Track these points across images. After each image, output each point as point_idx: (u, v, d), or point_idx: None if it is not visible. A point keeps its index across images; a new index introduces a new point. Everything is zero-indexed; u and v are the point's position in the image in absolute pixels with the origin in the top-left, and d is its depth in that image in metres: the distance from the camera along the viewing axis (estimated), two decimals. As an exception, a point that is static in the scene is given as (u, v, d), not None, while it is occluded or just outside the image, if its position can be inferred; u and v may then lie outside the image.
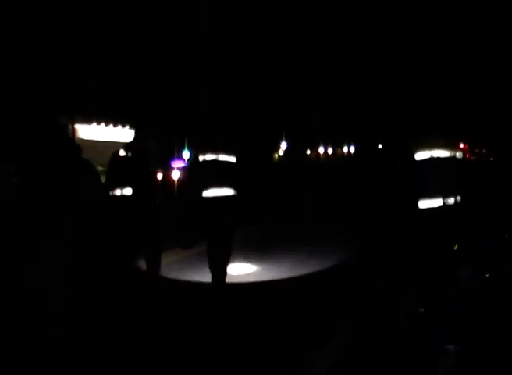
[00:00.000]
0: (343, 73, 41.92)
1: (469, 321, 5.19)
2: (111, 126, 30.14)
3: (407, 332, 5.26)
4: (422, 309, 5.45)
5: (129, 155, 7.21)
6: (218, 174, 7.00)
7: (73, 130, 26.30)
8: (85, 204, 4.95)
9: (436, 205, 6.09)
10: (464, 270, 5.78)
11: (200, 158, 7.25)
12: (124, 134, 32.63)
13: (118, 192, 7.04)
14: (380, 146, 51.69)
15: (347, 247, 11.02)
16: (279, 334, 5.96)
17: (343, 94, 43.58)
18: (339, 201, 17.72)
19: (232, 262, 7.74)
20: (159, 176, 7.49)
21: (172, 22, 29.39)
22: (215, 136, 7.26)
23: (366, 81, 42.43)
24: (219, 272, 7.18)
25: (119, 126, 31.28)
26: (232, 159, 7.18)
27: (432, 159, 6.16)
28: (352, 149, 52.94)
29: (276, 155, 42.61)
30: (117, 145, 33.62)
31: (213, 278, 7.30)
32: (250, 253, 10.32)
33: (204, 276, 7.47)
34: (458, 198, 6.12)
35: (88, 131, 28.49)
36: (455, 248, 6.09)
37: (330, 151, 52.35)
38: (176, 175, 16.18)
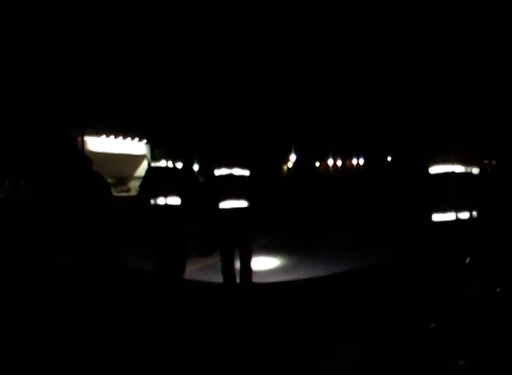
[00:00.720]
0: (353, 85, 42.03)
1: (478, 335, 5.16)
2: (120, 138, 30.32)
3: (416, 345, 5.22)
4: (433, 325, 5.42)
5: (171, 166, 7.40)
6: (233, 187, 7.35)
7: (83, 142, 26.46)
8: (96, 215, 4.98)
9: (450, 219, 6.12)
10: (472, 284, 5.76)
11: (216, 172, 7.55)
12: (133, 147, 32.85)
13: (161, 201, 7.22)
14: (389, 158, 51.81)
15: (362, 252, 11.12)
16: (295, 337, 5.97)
17: (352, 106, 43.68)
18: (349, 212, 17.84)
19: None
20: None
21: (173, 27, 29.55)
22: (230, 151, 7.61)
23: (376, 94, 42.52)
24: (244, 274, 7.47)
25: (128, 139, 31.45)
26: (246, 173, 7.53)
27: (448, 174, 6.18)
28: (361, 161, 53.01)
29: (285, 167, 42.74)
30: (126, 157, 33.66)
31: (225, 279, 7.57)
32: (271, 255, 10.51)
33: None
34: (474, 213, 6.13)
35: (98, 143, 28.68)
36: (466, 261, 6.07)
37: (339, 163, 52.42)
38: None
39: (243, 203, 7.38)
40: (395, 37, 37.57)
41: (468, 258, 6.04)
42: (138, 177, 33.78)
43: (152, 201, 7.31)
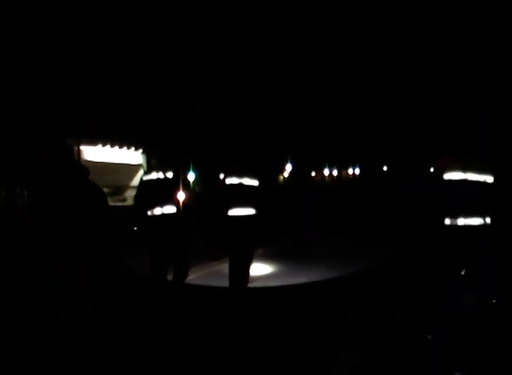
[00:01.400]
0: (350, 94, 42.11)
1: (474, 347, 5.16)
2: (116, 147, 30.27)
3: (414, 359, 5.22)
4: (430, 336, 5.41)
5: (164, 177, 7.84)
6: (242, 196, 7.81)
7: (79, 151, 26.44)
8: (93, 226, 4.98)
9: (462, 224, 6.30)
10: (470, 296, 5.77)
11: (227, 181, 7.98)
12: (129, 156, 32.80)
13: (158, 211, 7.61)
14: (385, 168, 51.86)
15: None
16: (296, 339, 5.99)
17: (349, 115, 43.74)
18: (351, 217, 18.01)
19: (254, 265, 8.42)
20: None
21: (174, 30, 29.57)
22: (239, 162, 8.12)
23: (373, 101, 42.58)
24: (241, 278, 7.87)
25: (125, 148, 31.42)
26: (255, 183, 7.95)
27: (463, 181, 6.38)
28: (357, 171, 53.02)
29: (281, 177, 42.69)
30: (122, 167, 33.69)
31: (232, 283, 7.93)
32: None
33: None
34: (487, 219, 6.30)
35: (94, 153, 28.63)
36: (463, 272, 6.08)
37: (335, 173, 52.40)
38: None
39: (250, 211, 7.79)
40: (393, 40, 37.67)
41: (464, 270, 6.06)
42: (134, 187, 33.76)
43: (149, 212, 7.59)
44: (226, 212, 7.78)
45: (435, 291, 6.19)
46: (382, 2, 37.13)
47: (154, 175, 7.86)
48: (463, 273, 6.06)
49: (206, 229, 8.48)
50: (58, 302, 4.22)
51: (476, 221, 6.32)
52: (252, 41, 33.65)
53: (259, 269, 9.62)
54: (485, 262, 6.17)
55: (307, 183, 43.44)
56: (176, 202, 7.75)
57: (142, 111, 29.81)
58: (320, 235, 15.04)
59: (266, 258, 10.81)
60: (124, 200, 29.98)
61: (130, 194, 32.23)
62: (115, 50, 28.05)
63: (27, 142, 20.92)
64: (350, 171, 53.83)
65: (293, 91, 38.00)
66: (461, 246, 6.31)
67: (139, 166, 33.40)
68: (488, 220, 6.34)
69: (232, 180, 7.91)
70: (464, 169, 6.42)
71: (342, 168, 53.34)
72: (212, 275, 9.37)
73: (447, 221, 6.35)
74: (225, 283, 8.51)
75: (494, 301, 5.78)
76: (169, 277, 8.12)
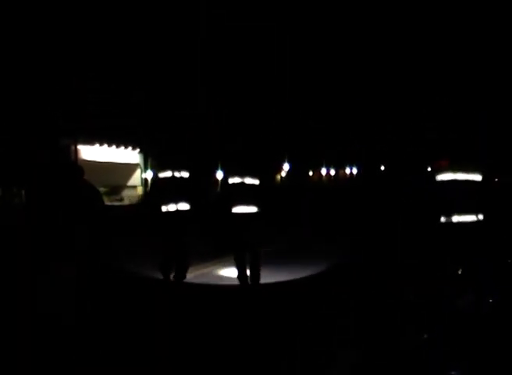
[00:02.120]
0: (347, 94, 42.13)
1: (473, 347, 5.16)
2: (113, 147, 30.22)
3: (411, 358, 5.22)
4: (426, 335, 5.42)
5: (179, 176, 8.17)
6: (245, 194, 8.13)
7: (76, 151, 26.38)
8: (88, 224, 4.97)
9: (456, 221, 6.63)
10: (468, 295, 5.78)
11: (230, 180, 8.28)
12: (126, 155, 32.74)
13: (172, 207, 7.93)
14: (382, 167, 51.89)
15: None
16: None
17: (346, 114, 43.75)
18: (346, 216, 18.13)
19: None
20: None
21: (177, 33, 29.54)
22: (242, 162, 8.48)
23: (371, 101, 42.61)
24: (253, 277, 8.19)
25: (122, 147, 31.35)
26: (256, 182, 8.28)
27: (455, 181, 6.75)
28: (354, 171, 53.03)
29: (279, 177, 42.73)
30: (119, 166, 33.52)
31: (241, 281, 8.22)
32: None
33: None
34: (480, 216, 6.62)
35: (91, 152, 28.58)
36: (459, 272, 6.09)
37: (332, 172, 52.39)
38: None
39: (252, 208, 8.11)
40: (393, 41, 37.69)
41: (461, 270, 6.07)
42: (131, 186, 33.71)
43: (164, 208, 7.88)
44: (230, 210, 8.10)
45: (433, 290, 6.24)
46: (383, 3, 37.17)
47: (168, 173, 8.09)
48: (460, 272, 6.08)
49: (213, 226, 8.94)
50: (56, 302, 4.21)
51: (469, 218, 6.57)
52: (252, 42, 33.67)
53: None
54: (483, 262, 6.21)
55: (304, 183, 43.45)
56: (190, 201, 8.09)
57: (140, 111, 29.79)
58: (316, 235, 15.10)
59: (266, 257, 10.92)
60: (121, 199, 29.96)
61: (127, 193, 32.24)
62: (114, 50, 28.02)
63: (26, 142, 20.91)
64: (348, 171, 53.87)
65: (292, 91, 38.03)
66: (457, 245, 6.45)
67: (136, 165, 33.36)
68: (480, 217, 6.59)
69: (234, 180, 8.21)
70: (456, 170, 6.73)
71: (339, 167, 53.38)
72: (209, 274, 9.40)
73: (443, 219, 6.61)
74: (221, 282, 8.66)
75: (491, 300, 5.79)
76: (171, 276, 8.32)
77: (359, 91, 41.94)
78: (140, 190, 32.87)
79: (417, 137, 40.91)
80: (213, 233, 9.34)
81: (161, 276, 8.12)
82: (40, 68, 23.77)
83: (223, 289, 8.45)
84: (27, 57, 23.12)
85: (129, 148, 32.10)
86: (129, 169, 32.81)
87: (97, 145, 29.13)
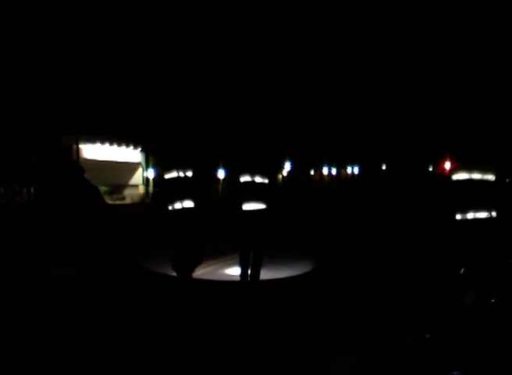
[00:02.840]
0: (348, 94, 42.14)
1: (474, 347, 5.14)
2: (115, 146, 30.19)
3: (412, 358, 5.20)
4: (428, 335, 5.40)
5: (185, 175, 8.38)
6: (254, 192, 8.51)
7: (78, 149, 26.37)
8: (88, 225, 4.96)
9: (471, 218, 7.04)
10: (469, 295, 5.76)
11: (241, 179, 8.69)
12: (128, 154, 32.72)
13: (178, 205, 8.19)
14: (384, 166, 51.95)
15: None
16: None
17: (347, 114, 43.77)
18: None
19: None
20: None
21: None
22: (252, 162, 8.79)
23: (371, 102, 42.63)
24: (254, 273, 8.49)
25: (123, 146, 31.31)
26: (265, 181, 8.67)
27: (470, 180, 7.19)
28: (356, 170, 53.07)
29: (280, 176, 42.71)
30: (121, 165, 33.37)
31: (242, 277, 8.48)
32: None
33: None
34: (493, 213, 7.04)
35: (92, 151, 28.56)
36: (461, 272, 6.09)
37: (334, 172, 52.38)
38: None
39: (261, 205, 8.48)
40: (395, 41, 37.68)
41: (463, 269, 6.07)
42: (133, 185, 33.71)
43: (170, 207, 8.14)
44: (241, 207, 8.52)
45: (434, 289, 6.26)
46: (384, 3, 37.20)
47: (175, 173, 8.30)
48: (462, 272, 6.08)
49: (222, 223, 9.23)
50: (57, 303, 4.19)
51: (483, 215, 6.96)
52: (257, 42, 33.70)
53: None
54: (485, 262, 6.22)
55: (306, 182, 43.48)
56: (195, 199, 8.36)
57: (142, 110, 29.80)
58: (319, 234, 15.13)
59: (268, 254, 11.13)
60: (123, 198, 29.95)
61: (129, 192, 32.23)
62: (117, 48, 28.04)
63: (26, 142, 20.93)
64: (349, 170, 53.89)
65: (294, 91, 38.04)
66: (462, 245, 6.67)
67: (138, 164, 33.36)
68: (493, 214, 6.95)
69: (245, 178, 8.62)
70: (470, 170, 7.12)
71: (341, 167, 53.40)
72: (213, 273, 9.56)
73: (458, 216, 7.03)
74: (228, 278, 8.96)
75: (493, 300, 5.77)
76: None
77: (361, 91, 41.95)
78: (141, 189, 32.88)
79: (419, 136, 40.96)
80: (221, 230, 9.62)
81: (173, 273, 8.29)
82: (42, 67, 23.79)
83: (222, 285, 8.68)
84: (29, 57, 23.14)
85: (131, 146, 32.11)
86: (131, 168, 32.82)
87: (99, 144, 29.14)
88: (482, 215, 6.97)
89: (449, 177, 7.26)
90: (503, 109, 26.83)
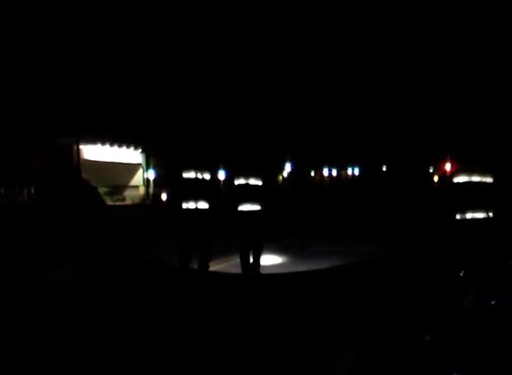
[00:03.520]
0: (349, 94, 42.14)
1: (475, 348, 5.13)
2: (116, 146, 30.17)
3: (412, 358, 5.20)
4: (428, 337, 5.40)
5: (200, 177, 9.13)
6: (249, 194, 9.08)
7: (78, 150, 26.37)
8: (88, 226, 4.96)
9: (470, 219, 7.55)
10: (469, 297, 5.76)
11: (236, 181, 9.21)
12: (128, 155, 32.72)
13: (192, 205, 8.82)
14: (384, 168, 51.92)
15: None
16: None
17: (348, 115, 43.77)
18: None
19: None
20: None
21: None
22: (246, 165, 9.44)
23: (372, 103, 42.62)
24: (254, 265, 9.16)
25: (124, 147, 31.30)
26: (260, 183, 9.18)
27: (470, 182, 7.71)
28: (356, 172, 53.00)
29: (280, 177, 42.69)
30: (122, 166, 33.37)
31: (243, 270, 9.12)
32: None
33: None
34: (490, 213, 7.53)
35: (93, 152, 28.55)
36: (461, 273, 6.09)
37: (334, 173, 52.32)
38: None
39: (256, 206, 9.05)
40: (396, 41, 37.72)
41: (464, 271, 6.07)
42: (133, 186, 33.70)
43: (184, 206, 8.74)
44: (237, 208, 9.08)
45: (435, 290, 6.29)
46: (385, 4, 37.23)
47: (190, 175, 8.91)
48: (462, 273, 6.08)
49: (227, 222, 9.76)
50: (57, 305, 4.18)
51: (483, 216, 7.43)
52: (257, 42, 33.72)
53: (269, 259, 10.58)
54: (485, 263, 6.24)
55: (307, 184, 43.47)
56: (206, 199, 8.95)
57: (143, 111, 29.81)
58: (324, 233, 15.28)
59: (276, 251, 11.46)
60: (123, 199, 29.94)
61: (129, 193, 32.21)
62: (118, 49, 28.05)
63: (26, 142, 20.92)
64: (350, 171, 53.84)
65: (294, 92, 38.05)
66: (466, 244, 6.98)
67: (138, 165, 33.36)
68: (493, 216, 7.44)
69: (240, 181, 9.15)
70: (470, 173, 7.67)
71: (341, 168, 53.36)
72: (229, 264, 10.15)
73: (458, 216, 7.54)
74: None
75: (493, 302, 5.77)
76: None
77: (362, 92, 41.96)
78: (142, 190, 32.88)
79: (420, 138, 40.97)
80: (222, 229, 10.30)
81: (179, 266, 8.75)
82: (43, 67, 23.79)
83: (225, 277, 9.11)
84: (30, 57, 23.14)
85: (132, 148, 32.11)
86: (132, 169, 32.83)
87: (100, 145, 29.14)
88: (482, 216, 7.31)
89: (450, 179, 7.72)
90: (503, 113, 26.91)
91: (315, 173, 50.55)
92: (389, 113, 42.57)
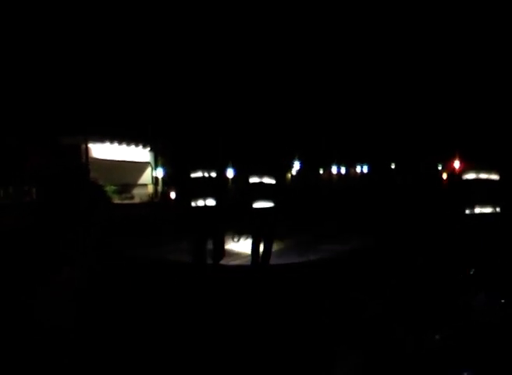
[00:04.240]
0: (357, 92, 42.06)
1: (484, 347, 5.10)
2: (124, 145, 30.20)
3: (415, 359, 5.16)
4: (437, 336, 5.36)
5: (208, 176, 9.33)
6: (263, 192, 9.39)
7: (87, 149, 26.42)
8: (89, 226, 4.95)
9: (478, 212, 7.78)
10: (479, 295, 5.73)
11: (250, 180, 9.48)
12: (137, 154, 32.75)
13: (201, 203, 9.02)
14: (393, 166, 51.79)
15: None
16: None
17: (356, 113, 43.70)
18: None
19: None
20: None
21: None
22: (260, 164, 9.66)
23: (380, 101, 42.54)
24: (264, 257, 9.46)
25: (132, 146, 31.33)
26: (273, 181, 9.47)
27: (477, 179, 7.98)
28: (365, 169, 52.92)
29: (289, 175, 42.63)
30: (130, 165, 33.42)
31: (253, 261, 9.45)
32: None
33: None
34: (497, 209, 7.78)
35: (102, 151, 28.59)
36: (471, 273, 6.06)
37: (343, 171, 52.24)
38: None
39: (269, 204, 9.36)
40: (395, 44, 37.62)
41: (473, 270, 6.04)
42: (142, 184, 33.74)
43: (193, 203, 8.96)
44: (251, 205, 9.37)
45: (441, 290, 6.30)
46: (386, 4, 37.16)
47: (199, 173, 9.13)
48: (472, 272, 6.06)
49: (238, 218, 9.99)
50: (57, 305, 4.16)
51: (488, 210, 7.67)
52: (262, 43, 33.71)
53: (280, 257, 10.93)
54: (494, 263, 6.23)
55: (315, 181, 43.41)
56: (216, 197, 9.17)
57: (151, 109, 29.82)
58: (334, 230, 15.37)
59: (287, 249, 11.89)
60: (132, 198, 29.96)
61: (138, 191, 32.24)
62: (125, 48, 28.09)
63: (26, 142, 20.97)
64: (358, 169, 53.76)
65: (303, 90, 38.02)
66: (472, 245, 7.05)
67: (147, 163, 33.40)
68: (498, 210, 7.68)
69: (254, 179, 9.44)
70: (478, 170, 7.92)
71: (350, 166, 53.28)
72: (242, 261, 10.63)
73: (467, 211, 7.79)
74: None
75: (503, 301, 5.74)
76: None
77: (371, 90, 41.87)
78: (150, 188, 32.89)
79: (429, 136, 40.84)
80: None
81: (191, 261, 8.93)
82: (49, 67, 23.84)
83: (236, 268, 9.91)
84: (35, 57, 23.18)
85: (140, 146, 32.12)
86: (140, 167, 32.83)
87: (108, 144, 29.15)
88: (490, 215, 7.51)
89: (459, 176, 7.99)
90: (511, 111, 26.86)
91: (324, 171, 50.50)
92: (397, 111, 42.47)
